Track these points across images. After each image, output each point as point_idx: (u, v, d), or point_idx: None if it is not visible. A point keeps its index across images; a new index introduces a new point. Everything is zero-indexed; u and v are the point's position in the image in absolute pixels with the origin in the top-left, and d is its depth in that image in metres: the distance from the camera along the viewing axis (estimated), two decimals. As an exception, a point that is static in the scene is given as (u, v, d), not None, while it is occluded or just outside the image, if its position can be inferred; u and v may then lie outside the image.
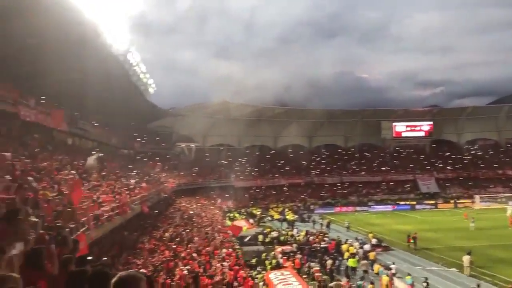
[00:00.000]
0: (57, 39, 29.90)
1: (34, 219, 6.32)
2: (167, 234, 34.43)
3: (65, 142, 44.93)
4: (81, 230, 15.80)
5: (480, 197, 77.52)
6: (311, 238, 41.20)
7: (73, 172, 26.75)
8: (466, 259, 29.98)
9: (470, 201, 76.92)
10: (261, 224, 55.48)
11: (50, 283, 4.21)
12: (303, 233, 43.93)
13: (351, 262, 30.62)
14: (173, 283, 20.19)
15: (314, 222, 55.65)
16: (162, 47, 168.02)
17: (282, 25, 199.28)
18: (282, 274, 27.24)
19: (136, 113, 60.14)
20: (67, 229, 11.74)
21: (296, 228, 50.38)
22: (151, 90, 61.17)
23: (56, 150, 34.93)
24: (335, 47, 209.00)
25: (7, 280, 3.29)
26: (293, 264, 31.29)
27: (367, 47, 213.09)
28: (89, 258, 5.68)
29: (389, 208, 76.01)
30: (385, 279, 26.09)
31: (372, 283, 25.55)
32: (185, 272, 21.80)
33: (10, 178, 13.79)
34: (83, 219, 17.05)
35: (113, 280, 2.82)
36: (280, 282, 25.51)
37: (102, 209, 21.69)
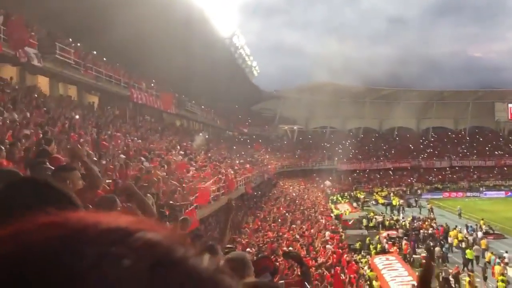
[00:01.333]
0: (166, 25, 31.05)
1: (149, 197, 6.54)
2: (270, 215, 34.87)
3: (174, 124, 46.77)
4: (191, 207, 16.36)
5: None
6: (418, 223, 39.92)
7: (182, 153, 27.79)
8: None
9: None
10: (365, 208, 54.59)
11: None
12: (409, 218, 42.67)
13: (469, 254, 28.94)
14: (277, 263, 20.38)
15: (421, 207, 53.85)
16: (267, 28, 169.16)
17: (391, 3, 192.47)
18: (388, 259, 26.70)
19: (240, 95, 61.25)
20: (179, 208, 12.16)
21: (402, 213, 49.01)
22: (255, 73, 61.94)
23: (165, 132, 36.46)
24: (446, 25, 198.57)
25: None
26: (398, 250, 30.54)
27: (480, 25, 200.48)
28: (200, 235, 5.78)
29: (502, 194, 71.66)
30: (497, 268, 24.65)
31: (471, 271, 24.41)
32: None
33: (125, 157, 14.54)
34: (192, 197, 17.62)
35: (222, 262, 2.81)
36: (385, 267, 25.01)
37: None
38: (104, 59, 33.07)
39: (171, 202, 13.00)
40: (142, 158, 18.73)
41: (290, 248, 23.28)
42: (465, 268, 26.38)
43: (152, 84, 39.91)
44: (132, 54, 33.94)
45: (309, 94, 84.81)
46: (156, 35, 31.63)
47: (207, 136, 46.47)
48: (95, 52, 32.16)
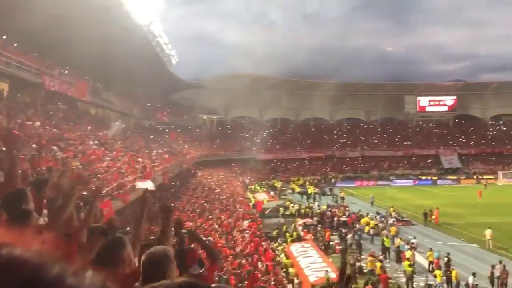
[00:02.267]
0: (81, 9, 29.95)
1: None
2: (189, 205, 34.78)
3: (89, 113, 45.35)
4: (107, 198, 16.01)
5: (503, 173, 76.62)
6: (332, 211, 41.23)
7: (97, 142, 27.07)
8: (488, 232, 29.95)
9: (493, 177, 75.96)
10: (282, 196, 55.60)
11: (80, 250, 4.24)
12: (324, 207, 44.02)
13: (386, 242, 30.10)
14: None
15: (334, 195, 55.64)
16: (186, 17, 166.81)
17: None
18: (303, 247, 27.43)
19: (159, 84, 60.24)
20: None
21: (317, 201, 50.40)
22: (173, 61, 61.08)
23: (79, 121, 35.30)
24: (360, 19, 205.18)
25: None
26: (314, 237, 31.47)
27: (392, 19, 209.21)
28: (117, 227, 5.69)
29: (410, 183, 75.63)
30: (409, 253, 26.03)
31: (372, 255, 25.61)
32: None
33: (37, 147, 13.98)
34: (107, 188, 17.26)
35: (143, 258, 2.81)
36: (300, 254, 25.70)
37: (126, 179, 21.92)
38: (15, 44, 31.44)
39: (84, 193, 12.67)
40: (55, 148, 18.10)
41: (210, 238, 23.39)
42: (383, 255, 27.64)
43: (66, 71, 38.41)
44: (45, 40, 32.44)
45: (228, 84, 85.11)
46: (72, 20, 30.38)
47: (123, 126, 45.45)
48: (4, 37, 30.49)
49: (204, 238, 21.09)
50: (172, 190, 40.25)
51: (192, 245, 5.21)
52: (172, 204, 28.19)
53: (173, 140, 61.60)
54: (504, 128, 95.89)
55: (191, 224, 27.42)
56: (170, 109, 76.24)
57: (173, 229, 4.57)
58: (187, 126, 78.98)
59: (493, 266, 22.76)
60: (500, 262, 23.48)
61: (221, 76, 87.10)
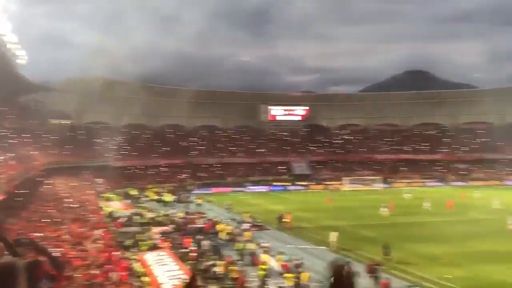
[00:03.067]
0: None
1: None
2: (36, 215, 32.93)
3: None
4: None
5: (349, 180, 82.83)
6: (188, 218, 41.47)
7: None
8: (333, 235, 32.18)
9: (339, 183, 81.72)
10: (137, 205, 54.68)
11: None
12: (180, 214, 44.13)
13: (242, 247, 30.77)
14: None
15: (191, 202, 55.98)
16: (36, 17, 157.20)
17: (166, 2, 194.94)
18: (159, 255, 27.35)
19: (4, 86, 56.20)
20: None
21: (174, 208, 50.36)
22: (21, 62, 57.32)
23: None
24: (219, 29, 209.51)
25: None
26: (171, 245, 31.40)
27: (249, 31, 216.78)
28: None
29: (264, 189, 78.65)
30: (264, 257, 27.04)
31: (227, 260, 26.29)
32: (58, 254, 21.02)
33: None
34: None
35: None
36: (155, 263, 25.61)
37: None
38: None
39: None
40: None
41: (61, 249, 22.36)
42: (241, 260, 28.38)
43: None
44: None
45: (81, 87, 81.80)
46: None
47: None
48: None
49: (53, 249, 20.20)
50: (19, 198, 37.74)
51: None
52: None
53: (20, 146, 57.71)
54: (349, 137, 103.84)
55: (38, 234, 26.03)
56: (17, 112, 71.20)
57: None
58: (36, 131, 74.30)
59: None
60: (348, 263, 25.28)
61: (73, 79, 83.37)
